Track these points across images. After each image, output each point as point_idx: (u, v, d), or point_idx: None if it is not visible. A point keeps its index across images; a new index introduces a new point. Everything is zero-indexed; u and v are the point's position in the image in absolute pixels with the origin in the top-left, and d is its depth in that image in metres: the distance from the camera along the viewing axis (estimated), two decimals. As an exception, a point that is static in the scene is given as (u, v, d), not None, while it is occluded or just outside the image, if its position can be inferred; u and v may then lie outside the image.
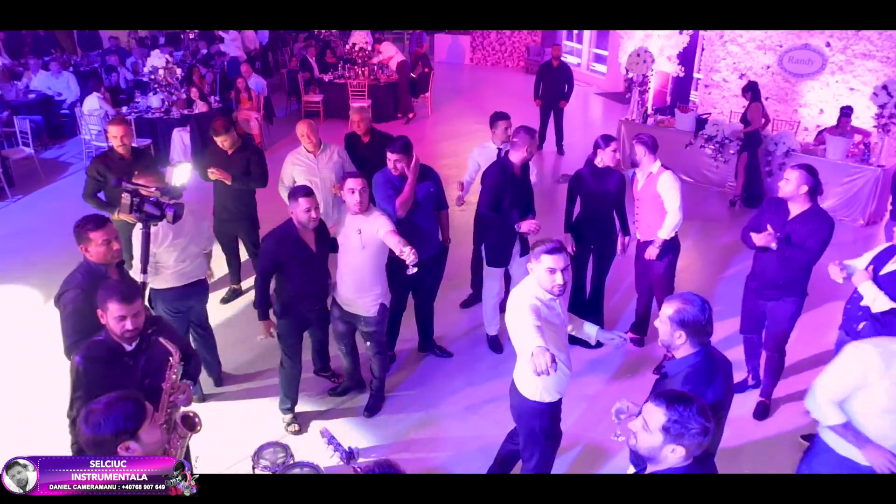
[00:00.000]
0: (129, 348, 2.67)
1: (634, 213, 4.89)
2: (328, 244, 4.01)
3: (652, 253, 4.64)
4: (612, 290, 5.75)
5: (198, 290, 4.28)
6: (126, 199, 3.30)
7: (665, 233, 4.57)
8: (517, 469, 3.62)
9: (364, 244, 3.89)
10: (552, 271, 2.86)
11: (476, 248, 5.55)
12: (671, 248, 4.69)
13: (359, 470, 2.00)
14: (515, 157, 4.50)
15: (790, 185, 3.89)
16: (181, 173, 4.16)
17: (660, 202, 4.57)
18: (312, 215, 3.73)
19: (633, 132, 9.22)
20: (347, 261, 3.97)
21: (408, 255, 3.53)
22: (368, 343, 4.18)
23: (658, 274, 4.75)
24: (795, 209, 3.96)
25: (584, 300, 5.20)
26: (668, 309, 2.56)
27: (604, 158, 4.76)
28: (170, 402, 2.60)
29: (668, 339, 2.59)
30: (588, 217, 4.94)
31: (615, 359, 5.01)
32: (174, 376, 2.62)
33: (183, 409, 2.61)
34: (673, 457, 2.01)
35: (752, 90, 8.01)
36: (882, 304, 3.41)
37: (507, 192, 4.51)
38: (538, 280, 2.94)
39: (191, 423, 2.51)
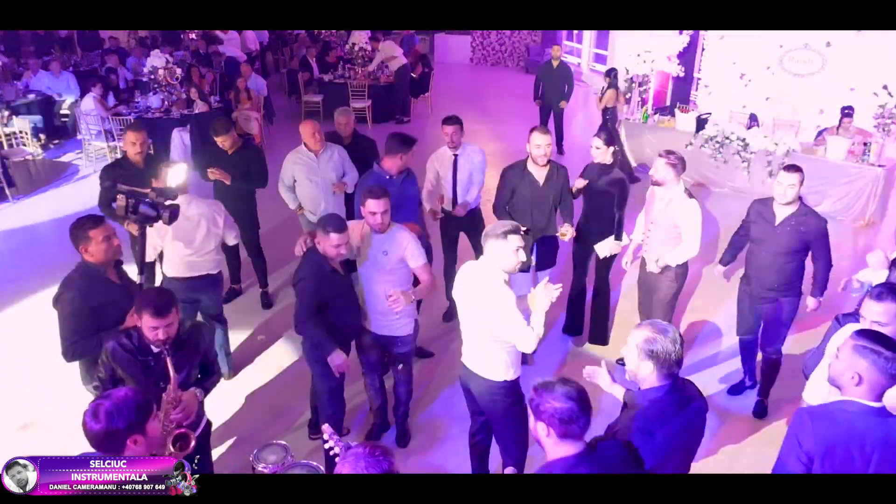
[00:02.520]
0: (154, 350, 2.81)
1: (645, 232, 4.49)
2: (350, 265, 3.76)
3: (654, 267, 4.31)
4: (615, 286, 5.73)
5: (206, 283, 4.36)
6: (121, 200, 3.27)
7: (674, 259, 4.22)
8: (497, 467, 3.61)
9: (391, 266, 3.69)
10: (517, 250, 2.97)
11: (445, 252, 5.25)
12: (679, 270, 4.31)
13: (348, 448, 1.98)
14: (532, 156, 4.53)
15: (795, 188, 3.81)
16: (177, 173, 4.14)
17: (677, 232, 4.21)
18: (342, 252, 3.44)
19: (633, 132, 9.26)
20: (378, 282, 3.71)
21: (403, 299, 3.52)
22: (401, 366, 3.95)
23: (661, 295, 4.39)
24: (784, 212, 3.89)
25: (584, 302, 5.17)
26: (638, 336, 2.33)
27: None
28: (167, 419, 2.70)
29: (634, 368, 2.37)
30: (589, 213, 4.82)
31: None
32: (168, 401, 2.73)
33: (178, 429, 2.69)
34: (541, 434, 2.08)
35: (610, 76, 9.07)
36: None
37: (519, 191, 4.56)
38: (501, 260, 2.98)
39: (181, 445, 2.61)
